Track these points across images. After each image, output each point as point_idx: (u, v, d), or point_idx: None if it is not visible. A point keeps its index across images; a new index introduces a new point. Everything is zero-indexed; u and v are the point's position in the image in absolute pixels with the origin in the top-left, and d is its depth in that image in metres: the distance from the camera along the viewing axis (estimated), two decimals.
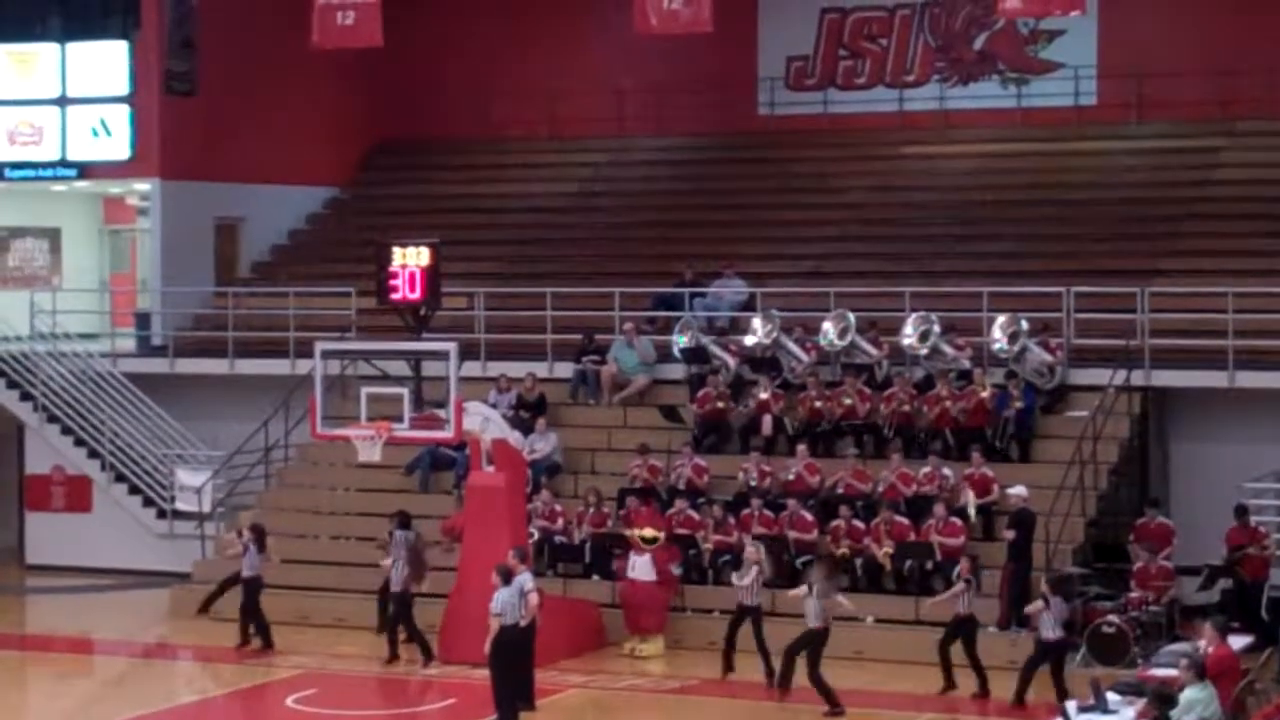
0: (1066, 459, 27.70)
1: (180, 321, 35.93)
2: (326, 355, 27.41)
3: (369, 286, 29.35)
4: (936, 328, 29.79)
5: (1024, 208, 34.84)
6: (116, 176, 37.03)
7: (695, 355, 31.33)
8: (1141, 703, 19.31)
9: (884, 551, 27.25)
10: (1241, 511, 27.14)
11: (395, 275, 27.29)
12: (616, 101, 38.80)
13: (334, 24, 31.34)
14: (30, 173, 36.92)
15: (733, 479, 29.32)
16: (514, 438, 27.54)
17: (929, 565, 26.88)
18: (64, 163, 36.65)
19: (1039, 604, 23.28)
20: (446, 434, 26.57)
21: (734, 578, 25.53)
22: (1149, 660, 23.10)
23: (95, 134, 36.33)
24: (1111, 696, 20.32)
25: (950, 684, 24.48)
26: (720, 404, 30.40)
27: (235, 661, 27.27)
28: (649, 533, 27.35)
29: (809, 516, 27.94)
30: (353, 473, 31.19)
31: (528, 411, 30.92)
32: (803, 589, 24.17)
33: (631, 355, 31.78)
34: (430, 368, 27.12)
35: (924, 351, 29.90)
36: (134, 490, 33.95)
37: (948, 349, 29.90)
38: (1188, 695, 18.04)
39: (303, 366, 31.08)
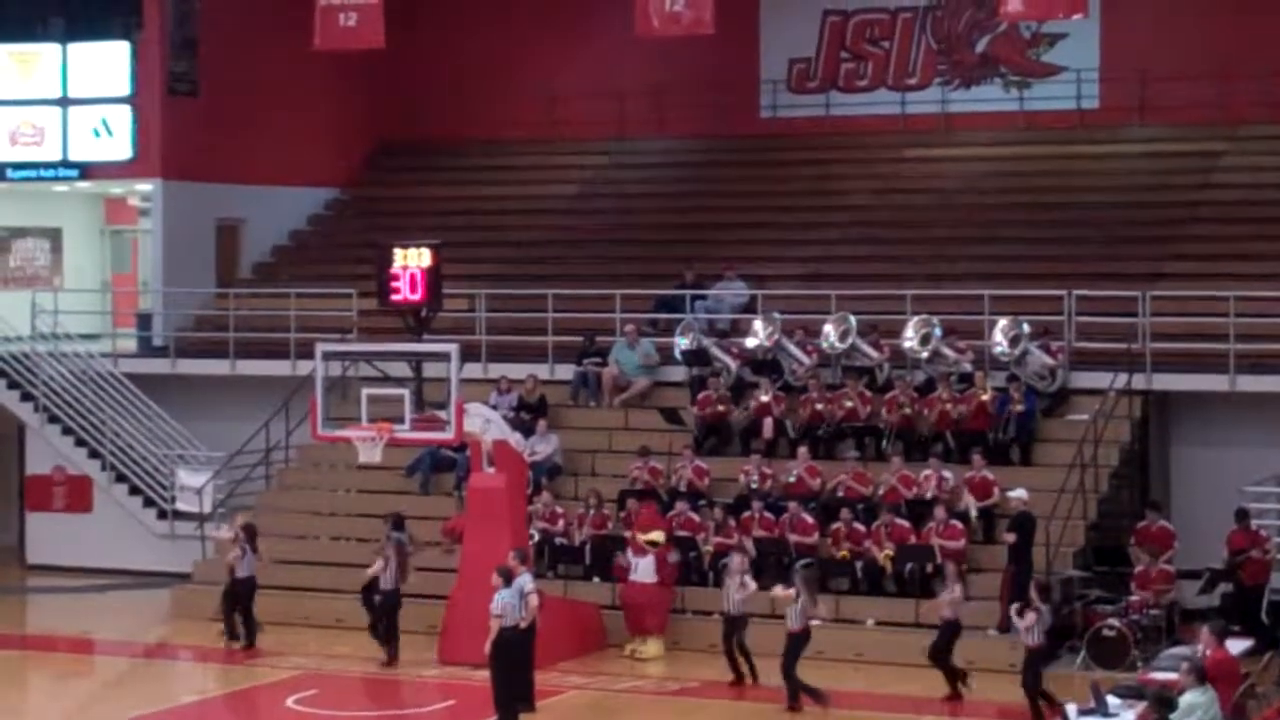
0: (1067, 462, 27.70)
1: (181, 322, 35.93)
2: (327, 356, 27.41)
3: (370, 288, 29.34)
4: (938, 331, 29.79)
5: (1025, 211, 34.83)
6: (118, 177, 37.03)
7: (696, 357, 31.33)
8: (1142, 706, 19.31)
9: (884, 554, 27.25)
10: (1242, 515, 27.13)
11: (396, 276, 27.29)
12: (618, 103, 38.78)
13: (336, 25, 31.33)
14: (32, 173, 36.92)
15: (733, 481, 29.31)
16: (515, 439, 27.54)
17: (929, 568, 26.87)
18: (65, 163, 36.65)
19: (1032, 616, 23.15)
20: (447, 435, 26.57)
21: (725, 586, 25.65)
22: (1149, 664, 23.12)
23: (97, 134, 36.33)
24: (1112, 700, 20.32)
25: (955, 688, 24.45)
26: (721, 406, 30.40)
27: (235, 662, 27.27)
28: (654, 535, 27.37)
29: (810, 519, 27.95)
30: (353, 474, 31.19)
31: (529, 413, 30.92)
32: (792, 591, 24.19)
33: (632, 357, 31.78)
34: (431, 369, 27.12)
35: (925, 354, 29.90)
36: (134, 491, 33.96)
37: (949, 352, 29.89)
38: (1188, 699, 18.02)
39: (304, 367, 31.10)
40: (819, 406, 29.83)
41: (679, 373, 31.70)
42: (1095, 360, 29.69)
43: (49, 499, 34.79)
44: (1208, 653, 19.59)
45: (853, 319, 30.30)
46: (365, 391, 26.68)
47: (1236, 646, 21.84)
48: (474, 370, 31.24)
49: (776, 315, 31.05)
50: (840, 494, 28.51)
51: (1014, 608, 23.41)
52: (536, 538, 28.48)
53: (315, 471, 32.60)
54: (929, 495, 27.89)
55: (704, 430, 30.46)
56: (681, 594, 27.64)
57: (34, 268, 38.72)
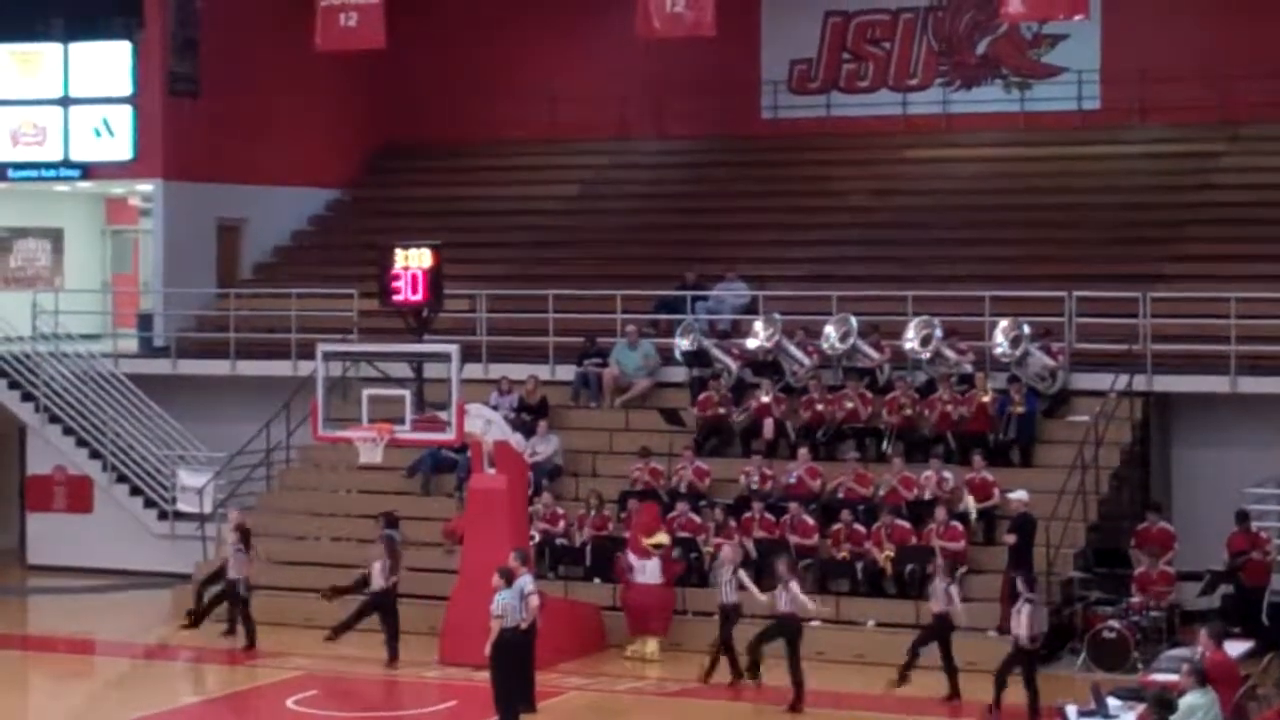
0: (1068, 463, 27.70)
1: (182, 322, 35.93)
2: (328, 357, 27.41)
3: (371, 288, 29.33)
4: (938, 332, 29.79)
5: (1026, 212, 34.84)
6: (119, 177, 37.04)
7: (697, 358, 31.34)
8: (1142, 708, 19.30)
9: (885, 555, 27.26)
10: (1243, 517, 27.15)
11: (397, 277, 27.27)
12: (619, 104, 38.80)
13: (337, 26, 31.39)
14: (33, 173, 36.93)
15: (734, 482, 29.32)
16: (515, 440, 27.54)
17: (930, 569, 26.83)
18: (67, 163, 36.66)
19: (1027, 608, 23.18)
20: (448, 436, 26.56)
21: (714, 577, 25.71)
22: (1150, 665, 23.12)
23: (98, 134, 36.34)
24: (1112, 701, 20.33)
25: (904, 679, 24.52)
26: (722, 407, 30.41)
27: (236, 663, 27.28)
28: (659, 539, 27.40)
29: (810, 520, 27.95)
30: (354, 475, 31.19)
31: (529, 414, 30.92)
32: (776, 591, 24.25)
33: (633, 358, 31.79)
34: (432, 370, 27.12)
35: (926, 355, 29.90)
36: (135, 491, 33.98)
37: (949, 353, 29.89)
38: (1188, 700, 18.02)
39: (304, 368, 31.14)
40: (820, 407, 29.84)
41: (680, 374, 31.71)
42: (1096, 361, 29.70)
43: (50, 499, 34.80)
44: (1206, 655, 19.59)
45: (853, 320, 30.30)
46: (366, 392, 26.68)
47: (1236, 648, 21.85)
48: (475, 371, 31.25)
49: (777, 316, 31.05)
50: (841, 495, 28.52)
51: (1014, 608, 23.46)
52: (537, 539, 28.50)
53: (316, 472, 32.61)
54: (928, 496, 27.89)
55: (705, 431, 30.47)
56: (682, 595, 27.64)
57: (35, 268, 38.73)
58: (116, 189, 38.52)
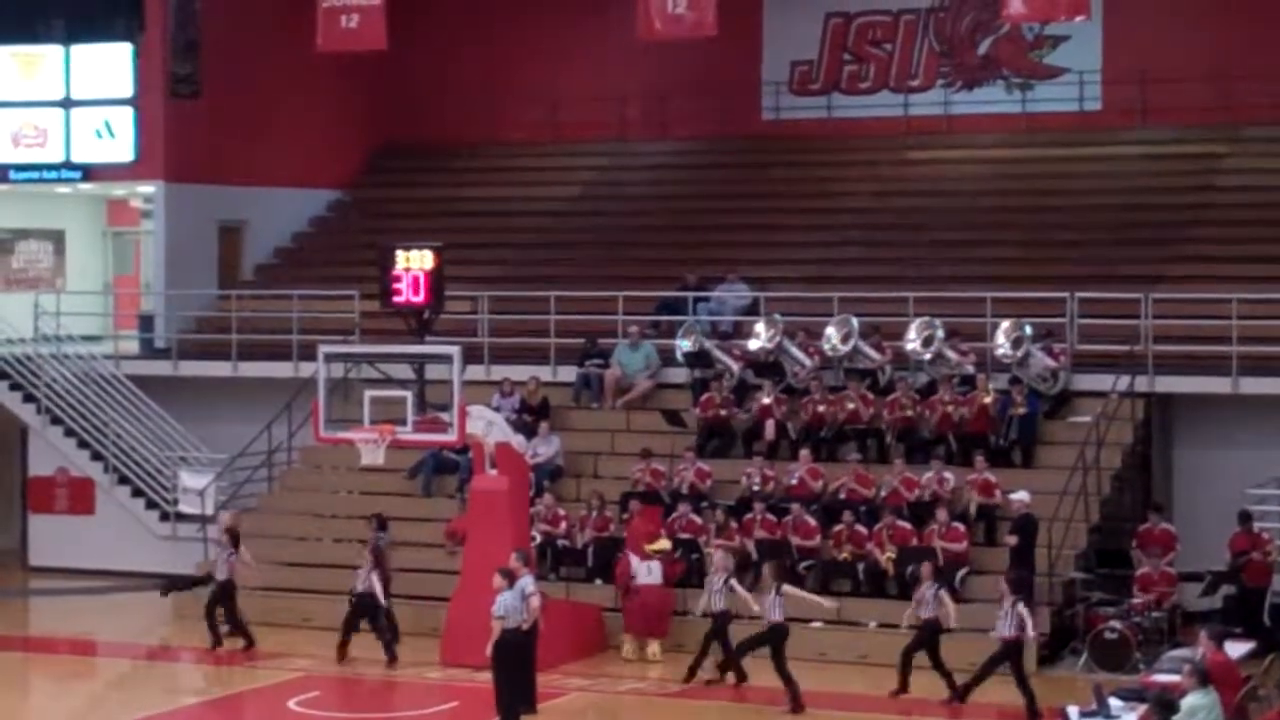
0: (1069, 464, 27.68)
1: (183, 324, 35.95)
2: (330, 358, 27.40)
3: (372, 289, 29.33)
4: (940, 333, 29.79)
5: (1028, 213, 34.84)
6: (120, 179, 37.06)
7: (698, 359, 31.34)
8: (1144, 708, 19.28)
9: (886, 556, 27.26)
10: (1245, 517, 27.15)
11: (399, 278, 27.25)
12: (620, 105, 38.80)
13: (338, 27, 31.38)
14: (34, 174, 36.95)
15: (735, 484, 29.32)
16: (517, 441, 27.53)
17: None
18: (68, 165, 36.68)
19: (1021, 609, 23.22)
20: (450, 437, 26.53)
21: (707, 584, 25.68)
22: (1151, 666, 23.11)
23: (99, 136, 36.36)
24: (1114, 702, 20.32)
25: (904, 688, 24.49)
26: (723, 409, 30.40)
27: (237, 664, 27.28)
28: (661, 544, 27.40)
29: (812, 521, 27.95)
30: (356, 476, 31.19)
31: (531, 415, 30.92)
32: (766, 594, 24.24)
33: (635, 359, 31.79)
34: (433, 371, 27.10)
35: (927, 356, 29.91)
36: (137, 493, 33.98)
37: (951, 354, 29.89)
38: (1190, 701, 18.00)
39: (306, 369, 31.16)
40: (821, 408, 29.84)
41: (681, 375, 31.71)
42: (1097, 362, 29.70)
43: (51, 501, 34.80)
44: (1206, 656, 19.58)
45: (855, 321, 30.30)
46: (368, 393, 26.70)
47: (1237, 649, 21.84)
48: (476, 372, 31.24)
49: (778, 317, 31.05)
50: (842, 496, 28.51)
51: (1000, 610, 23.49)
52: (538, 540, 28.50)
53: (317, 474, 32.61)
54: (928, 497, 27.88)
55: (706, 432, 30.47)
56: (683, 595, 27.63)
57: (36, 269, 38.74)
58: (118, 190, 38.53)
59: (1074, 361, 29.74)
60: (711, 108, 37.98)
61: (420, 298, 27.22)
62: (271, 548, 30.63)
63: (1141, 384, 29.05)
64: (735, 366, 30.99)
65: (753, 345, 30.99)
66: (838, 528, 27.86)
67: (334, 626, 27.24)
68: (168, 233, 36.30)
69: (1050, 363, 29.48)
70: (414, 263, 27.25)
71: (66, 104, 36.57)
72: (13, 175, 36.98)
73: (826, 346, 30.44)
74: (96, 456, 34.21)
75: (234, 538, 28.14)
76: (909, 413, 29.36)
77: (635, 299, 32.80)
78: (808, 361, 30.67)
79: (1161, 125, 35.65)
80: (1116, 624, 25.68)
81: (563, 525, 29.09)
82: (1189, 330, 29.51)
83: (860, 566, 27.47)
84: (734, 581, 25.22)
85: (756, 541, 27.86)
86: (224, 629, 28.09)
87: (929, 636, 24.40)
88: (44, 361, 34.69)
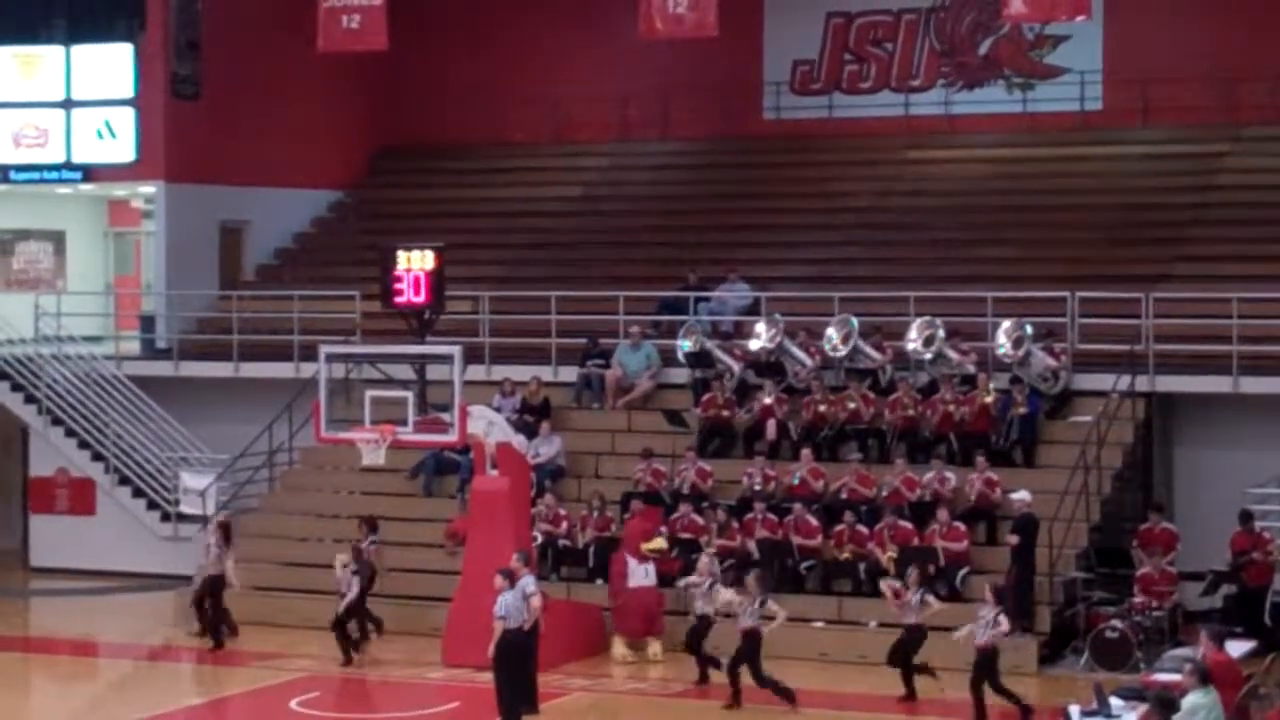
0: (1070, 464, 27.68)
1: (184, 324, 35.96)
2: (331, 359, 27.44)
3: (373, 290, 29.34)
4: (941, 332, 29.79)
5: (1029, 213, 34.85)
6: (121, 179, 37.07)
7: (699, 360, 31.34)
8: (1144, 708, 19.28)
9: (888, 556, 27.25)
10: (1246, 517, 27.15)
11: (399, 279, 27.26)
12: (621, 105, 38.81)
13: (339, 28, 31.35)
14: (35, 175, 36.97)
15: (736, 484, 29.31)
16: (518, 442, 27.54)
17: (932, 570, 26.85)
18: (69, 165, 36.69)
19: (996, 617, 23.13)
20: (450, 438, 26.55)
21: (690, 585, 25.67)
22: (1152, 665, 23.11)
23: (100, 136, 36.37)
24: (1114, 701, 20.30)
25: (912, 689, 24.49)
26: (724, 409, 30.41)
27: (238, 664, 27.28)
28: (658, 544, 27.39)
29: (813, 521, 27.95)
30: (357, 476, 31.21)
31: (532, 415, 30.92)
32: (745, 597, 24.20)
33: (636, 359, 31.79)
34: (434, 371, 27.13)
35: (928, 356, 29.91)
36: (138, 493, 33.98)
37: (952, 354, 29.89)
38: (1190, 700, 17.99)
39: (307, 370, 31.17)
40: (822, 408, 29.84)
41: (682, 375, 31.70)
42: (1098, 362, 29.70)
43: (52, 501, 34.80)
44: (1207, 656, 19.57)
45: (855, 321, 30.29)
46: (369, 394, 26.73)
47: (1238, 648, 21.83)
48: (477, 372, 31.25)
49: (779, 317, 31.05)
50: (843, 496, 28.52)
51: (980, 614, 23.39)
52: (540, 540, 28.49)
53: (319, 474, 32.62)
54: (929, 497, 27.89)
55: (707, 432, 30.47)
56: (676, 595, 27.58)
57: (37, 270, 38.76)
58: (118, 191, 38.54)
59: (1075, 361, 29.74)
60: (712, 108, 37.99)
61: (421, 298, 27.22)
62: (272, 548, 30.67)
63: (1142, 384, 29.05)
64: (736, 366, 30.99)
65: (754, 345, 30.99)
66: (839, 528, 27.87)
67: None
68: (169, 233, 36.31)
69: (1051, 362, 29.48)
70: (415, 263, 27.25)
71: (67, 104, 36.58)
72: (13, 176, 36.99)
73: (827, 346, 30.44)
74: (97, 457, 34.21)
75: (225, 534, 28.18)
76: (910, 412, 29.36)
77: (636, 299, 32.81)
78: (809, 361, 30.67)
79: (1162, 125, 35.67)
80: (1117, 623, 25.68)
81: (564, 525, 29.09)
82: (1190, 330, 29.51)
83: (861, 566, 27.47)
84: (719, 586, 25.19)
85: (758, 541, 27.86)
86: (195, 628, 28.13)
87: (915, 642, 24.33)
88: (45, 362, 34.70)
